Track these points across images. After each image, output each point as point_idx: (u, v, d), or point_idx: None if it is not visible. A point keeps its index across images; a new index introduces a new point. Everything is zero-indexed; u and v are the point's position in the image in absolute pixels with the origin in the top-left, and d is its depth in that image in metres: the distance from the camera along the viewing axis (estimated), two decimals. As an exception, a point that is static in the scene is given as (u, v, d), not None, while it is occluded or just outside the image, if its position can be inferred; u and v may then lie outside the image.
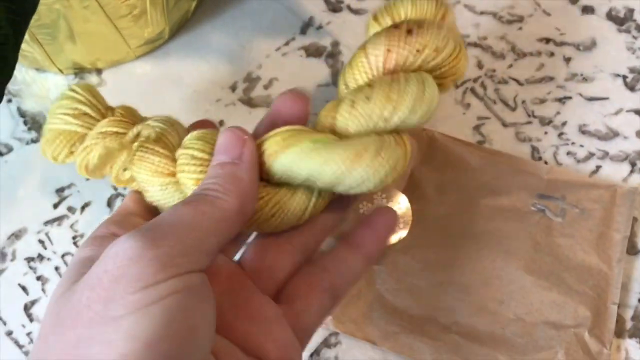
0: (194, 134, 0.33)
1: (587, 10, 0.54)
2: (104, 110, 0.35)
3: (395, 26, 0.34)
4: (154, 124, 0.34)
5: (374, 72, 0.34)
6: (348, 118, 0.33)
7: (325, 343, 0.42)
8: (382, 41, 0.34)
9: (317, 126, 0.34)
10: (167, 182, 0.33)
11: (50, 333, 0.26)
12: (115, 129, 0.34)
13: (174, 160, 0.33)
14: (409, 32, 0.33)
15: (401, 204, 0.44)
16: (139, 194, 0.35)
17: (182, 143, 0.34)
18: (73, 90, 0.35)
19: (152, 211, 0.34)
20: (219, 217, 0.28)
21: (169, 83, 0.51)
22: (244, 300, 0.31)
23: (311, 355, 0.42)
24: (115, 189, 0.47)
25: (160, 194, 0.33)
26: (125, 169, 0.35)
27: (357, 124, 0.33)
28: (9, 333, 0.42)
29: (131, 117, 0.35)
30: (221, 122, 0.50)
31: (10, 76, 0.28)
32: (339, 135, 0.33)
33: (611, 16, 0.54)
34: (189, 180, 0.32)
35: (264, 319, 0.30)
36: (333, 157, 0.31)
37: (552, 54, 0.52)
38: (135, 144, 0.34)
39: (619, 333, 0.42)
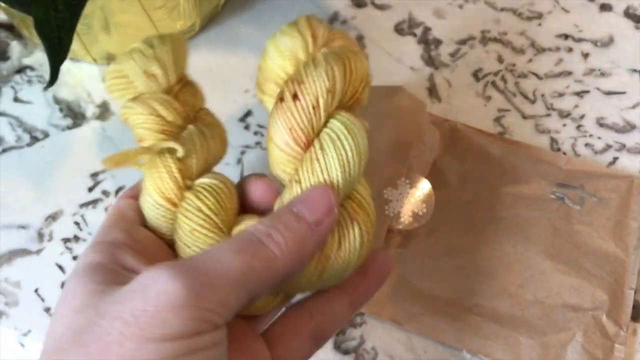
0: (209, 183, 0.32)
1: (605, 7, 0.56)
2: (175, 81, 0.34)
3: (279, 99, 0.31)
4: (206, 177, 0.33)
5: (295, 156, 0.31)
6: None
7: (351, 322, 0.44)
8: (280, 123, 0.31)
9: None
10: (163, 205, 0.32)
11: (70, 351, 0.25)
12: (164, 114, 0.33)
13: (182, 190, 0.32)
14: (295, 98, 0.31)
15: (424, 188, 0.46)
16: (135, 204, 0.33)
17: (193, 184, 0.33)
18: (155, 44, 0.33)
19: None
20: (265, 278, 0.27)
21: (199, 74, 0.53)
22: (247, 346, 0.30)
23: (337, 334, 0.43)
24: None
25: (151, 209, 0.32)
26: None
27: None
28: (47, 309, 0.44)
29: (191, 107, 0.34)
30: (249, 112, 0.51)
31: (65, 57, 0.30)
32: None
33: (628, 14, 0.55)
34: (187, 226, 0.31)
35: None
36: None
37: (570, 50, 0.54)
38: (159, 147, 0.33)
39: (635, 317, 0.43)
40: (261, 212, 0.33)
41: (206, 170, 0.34)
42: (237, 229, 0.32)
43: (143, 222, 0.33)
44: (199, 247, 0.31)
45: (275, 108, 0.31)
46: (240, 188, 0.34)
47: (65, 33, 0.29)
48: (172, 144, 0.32)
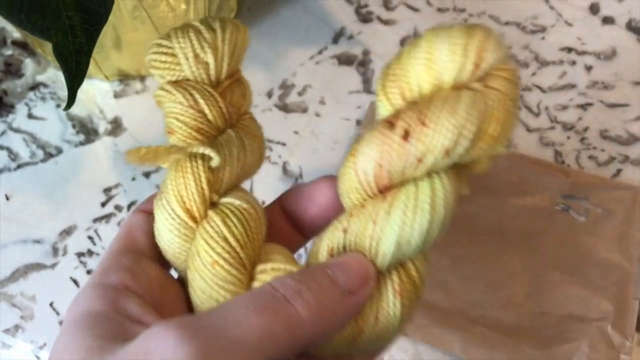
0: (239, 207, 0.28)
1: (608, 20, 0.56)
2: (226, 76, 0.30)
3: (390, 124, 0.26)
4: (235, 196, 0.29)
5: (366, 193, 0.27)
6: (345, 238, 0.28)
7: (360, 334, 0.44)
8: (373, 151, 0.26)
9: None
10: (181, 217, 0.28)
11: None
12: (206, 111, 0.29)
13: (207, 205, 0.28)
14: (406, 136, 0.26)
15: None
16: (148, 220, 0.29)
17: (222, 200, 0.29)
18: (216, 28, 0.30)
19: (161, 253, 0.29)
20: (288, 344, 0.23)
21: (208, 89, 0.54)
22: None
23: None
24: (160, 188, 0.50)
25: (166, 219, 0.28)
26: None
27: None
28: (62, 322, 0.45)
29: (236, 109, 0.30)
30: (258, 127, 0.52)
31: (82, 80, 0.31)
32: None
33: (631, 27, 0.56)
34: (208, 257, 0.27)
35: None
36: None
37: (573, 63, 0.54)
38: (192, 151, 0.29)
39: (640, 327, 0.44)
40: (312, 229, 0.30)
41: (236, 185, 0.30)
42: (261, 277, 0.27)
43: (152, 243, 0.29)
44: (216, 284, 0.27)
45: (379, 129, 0.26)
46: (293, 197, 0.31)
47: (82, 57, 0.30)
48: (208, 151, 0.28)
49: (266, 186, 0.49)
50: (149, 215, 0.29)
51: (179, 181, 0.28)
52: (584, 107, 0.52)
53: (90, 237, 0.48)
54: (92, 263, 0.47)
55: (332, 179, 0.30)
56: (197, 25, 0.30)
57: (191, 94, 0.29)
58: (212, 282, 0.27)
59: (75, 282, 0.47)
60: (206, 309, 0.27)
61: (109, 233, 0.48)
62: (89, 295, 0.26)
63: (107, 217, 0.49)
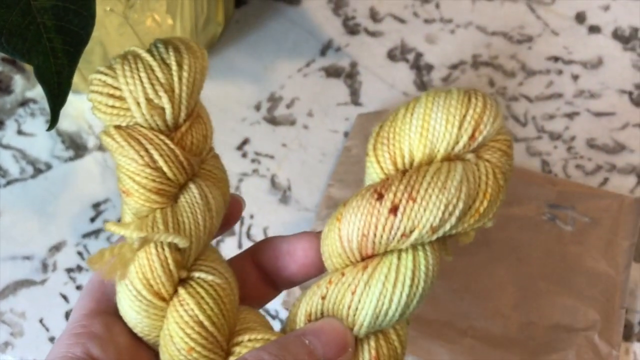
0: (213, 283, 0.26)
1: (594, 29, 0.57)
2: (184, 118, 0.27)
3: (379, 195, 0.26)
4: (206, 268, 0.27)
5: (349, 260, 0.27)
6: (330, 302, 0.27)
7: (348, 347, 0.45)
8: (358, 220, 0.26)
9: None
10: (148, 299, 0.26)
11: None
12: (165, 169, 0.26)
13: (175, 285, 0.26)
14: (394, 210, 0.25)
15: None
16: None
17: (192, 274, 0.27)
18: (172, 64, 0.26)
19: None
20: None
21: (197, 103, 0.54)
22: None
23: None
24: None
25: (132, 300, 0.26)
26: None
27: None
28: (52, 339, 0.45)
29: (197, 153, 0.28)
30: (246, 140, 0.53)
31: (64, 100, 0.31)
32: None
33: (617, 35, 0.56)
34: (182, 343, 0.26)
35: None
36: None
37: (560, 72, 0.55)
38: (161, 240, 0.26)
39: (627, 337, 0.44)
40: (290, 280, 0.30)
41: (204, 246, 0.28)
42: (237, 349, 0.26)
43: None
44: None
45: (368, 198, 0.26)
46: (264, 250, 0.30)
47: (64, 78, 0.30)
48: (177, 240, 0.25)
49: (254, 200, 0.49)
50: None
51: (142, 263, 0.25)
52: (570, 116, 0.53)
53: (79, 253, 0.48)
54: (82, 278, 0.47)
55: (312, 235, 0.30)
56: (147, 58, 0.26)
57: (146, 150, 0.26)
58: None
59: (65, 297, 0.47)
60: None
61: (98, 248, 0.48)
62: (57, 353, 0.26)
63: (96, 233, 0.49)
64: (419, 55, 0.56)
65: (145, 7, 0.47)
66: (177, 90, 0.26)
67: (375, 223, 0.26)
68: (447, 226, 0.26)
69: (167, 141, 0.26)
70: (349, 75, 0.55)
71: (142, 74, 0.26)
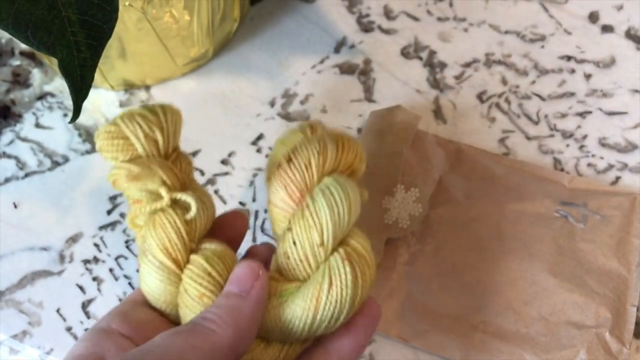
0: (217, 249, 0.33)
1: (607, 29, 0.57)
2: (172, 150, 0.36)
3: (278, 165, 0.35)
4: (211, 242, 0.34)
5: (290, 212, 0.34)
6: (294, 268, 0.33)
7: (361, 340, 0.45)
8: (277, 185, 0.34)
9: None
10: (168, 267, 0.33)
11: None
12: (165, 178, 0.34)
13: (188, 252, 0.33)
14: (289, 160, 0.34)
15: (416, 188, 0.48)
16: None
17: (199, 247, 0.34)
18: (159, 112, 0.35)
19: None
20: (209, 353, 0.28)
21: (212, 98, 0.55)
22: None
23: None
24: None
25: (155, 272, 0.33)
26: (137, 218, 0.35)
27: (303, 268, 0.33)
28: (69, 329, 0.46)
29: (186, 175, 0.36)
30: (261, 136, 0.53)
31: (87, 94, 0.32)
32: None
33: (630, 35, 0.57)
34: (195, 291, 0.32)
35: None
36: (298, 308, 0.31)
37: (573, 71, 0.55)
38: (163, 203, 0.34)
39: (638, 334, 0.44)
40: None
41: (205, 235, 0.35)
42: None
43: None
44: None
45: (273, 175, 0.34)
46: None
47: (87, 71, 0.31)
48: (189, 198, 0.33)
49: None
50: None
51: (160, 235, 0.32)
52: (582, 115, 0.53)
53: (96, 245, 0.49)
54: (98, 270, 0.48)
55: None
56: (141, 111, 0.35)
57: (151, 167, 0.34)
58: None
59: (81, 288, 0.47)
60: None
61: (115, 240, 0.49)
62: (79, 341, 0.31)
63: (112, 225, 0.50)
64: (432, 53, 0.56)
65: (163, 3, 0.48)
66: (165, 127, 0.35)
67: (286, 175, 0.34)
68: (330, 154, 0.34)
69: (162, 159, 0.35)
70: (363, 72, 0.56)
71: (138, 119, 0.34)
